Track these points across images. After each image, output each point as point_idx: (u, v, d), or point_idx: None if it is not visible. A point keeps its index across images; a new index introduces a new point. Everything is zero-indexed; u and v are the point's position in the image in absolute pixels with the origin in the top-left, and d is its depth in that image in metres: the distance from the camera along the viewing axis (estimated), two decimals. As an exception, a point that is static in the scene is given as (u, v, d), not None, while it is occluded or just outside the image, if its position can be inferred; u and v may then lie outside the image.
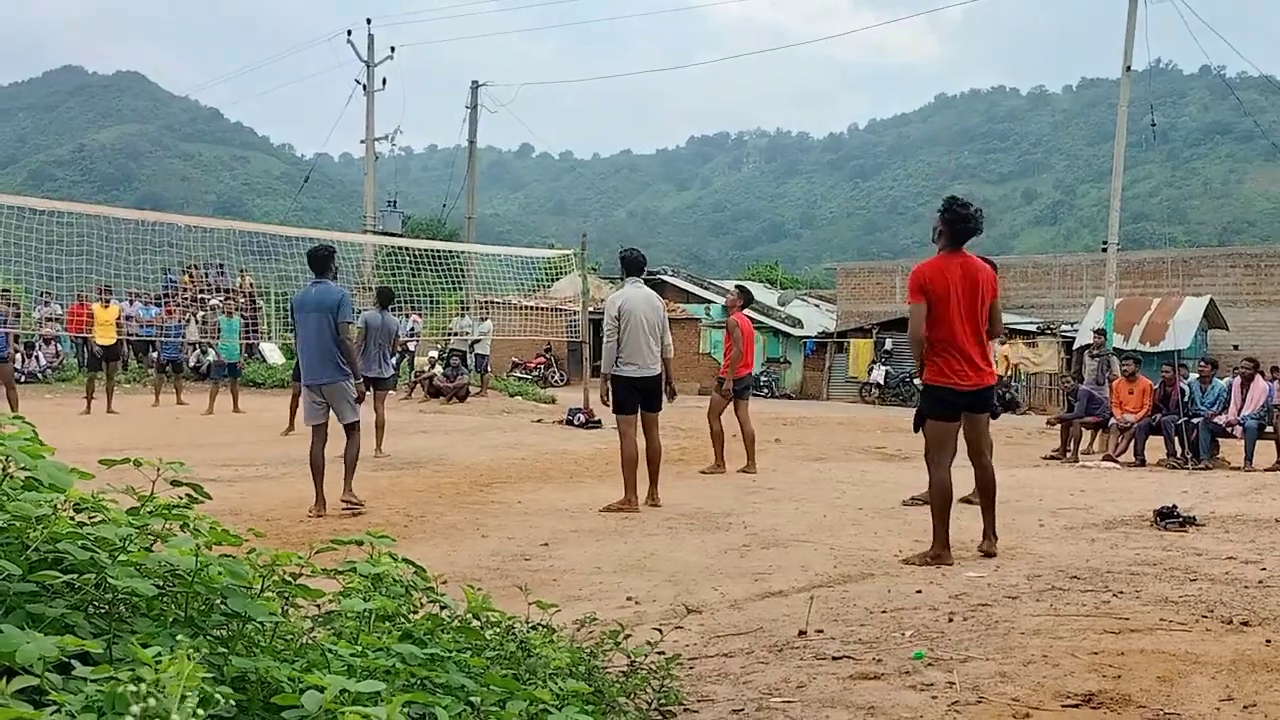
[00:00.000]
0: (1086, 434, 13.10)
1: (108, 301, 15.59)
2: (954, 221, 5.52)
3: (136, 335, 17.68)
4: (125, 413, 14.76)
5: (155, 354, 17.43)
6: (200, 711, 1.38)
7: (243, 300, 20.77)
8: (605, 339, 7.60)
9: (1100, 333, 14.78)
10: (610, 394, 7.74)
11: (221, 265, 23.11)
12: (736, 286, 11.02)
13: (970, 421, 5.69)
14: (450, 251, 20.80)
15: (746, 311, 10.26)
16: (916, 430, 5.68)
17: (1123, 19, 19.95)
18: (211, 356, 17.20)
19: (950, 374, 5.46)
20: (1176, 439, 11.76)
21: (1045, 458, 12.51)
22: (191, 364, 21.62)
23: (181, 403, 16.32)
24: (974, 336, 5.50)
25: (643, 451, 7.57)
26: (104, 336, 15.17)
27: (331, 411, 7.37)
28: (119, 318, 15.94)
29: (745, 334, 9.99)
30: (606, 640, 2.99)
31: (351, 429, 7.38)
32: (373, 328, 10.62)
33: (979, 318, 5.53)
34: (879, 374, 27.96)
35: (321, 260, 7.43)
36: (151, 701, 1.34)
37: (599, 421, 11.67)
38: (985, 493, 5.79)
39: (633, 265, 7.83)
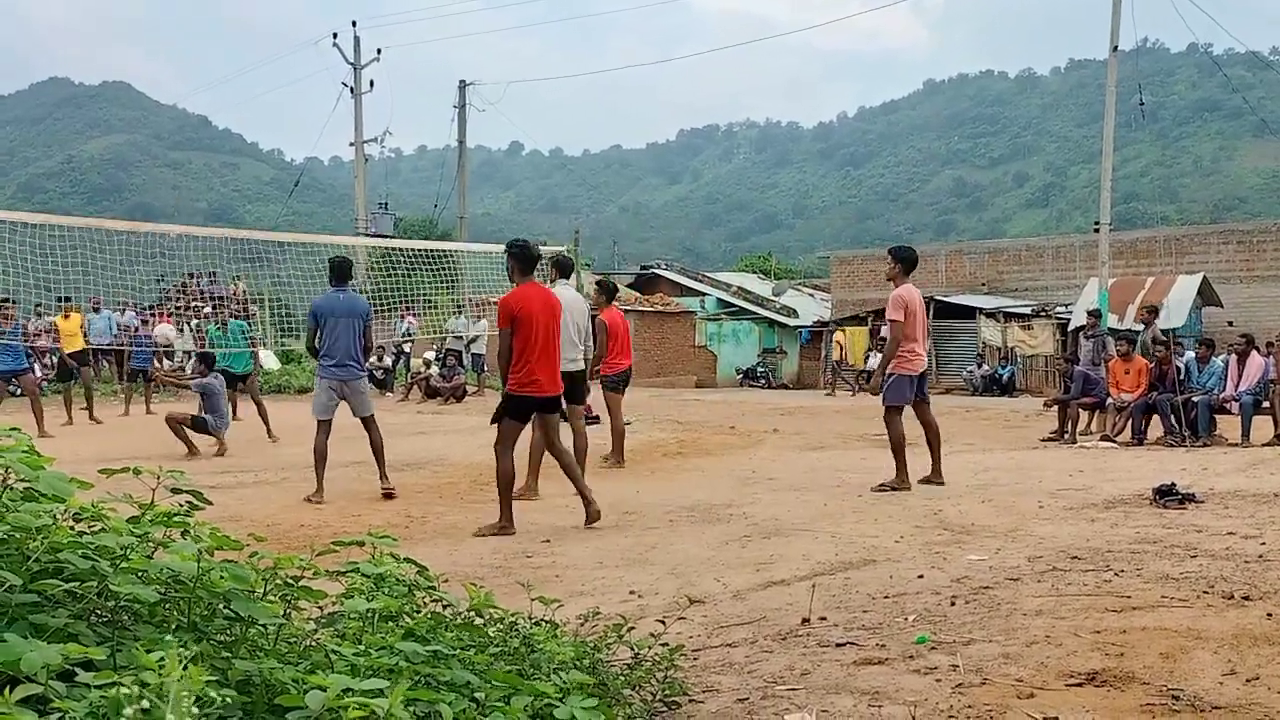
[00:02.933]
0: (1084, 415, 13.13)
1: (68, 313, 15.73)
2: (520, 257, 6.59)
3: (129, 346, 17.58)
4: (105, 423, 14.72)
5: (126, 362, 17.37)
6: (195, 710, 1.38)
7: (236, 307, 20.70)
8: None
9: (1094, 313, 14.79)
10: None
11: (214, 273, 23.04)
12: (597, 283, 10.91)
13: (544, 420, 6.72)
14: (443, 252, 20.76)
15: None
16: (493, 424, 6.59)
17: (1109, -1, 19.94)
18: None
19: (531, 385, 6.41)
20: (1173, 417, 11.78)
21: (1043, 440, 12.53)
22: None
23: (150, 412, 16.26)
24: (552, 352, 6.52)
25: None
26: (69, 346, 15.27)
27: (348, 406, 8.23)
28: (82, 325, 16.05)
29: (613, 329, 9.90)
30: (610, 634, 2.99)
31: (370, 420, 8.25)
32: None
33: (555, 336, 6.56)
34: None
35: (347, 270, 8.49)
36: (145, 704, 1.35)
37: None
38: (571, 475, 6.64)
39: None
